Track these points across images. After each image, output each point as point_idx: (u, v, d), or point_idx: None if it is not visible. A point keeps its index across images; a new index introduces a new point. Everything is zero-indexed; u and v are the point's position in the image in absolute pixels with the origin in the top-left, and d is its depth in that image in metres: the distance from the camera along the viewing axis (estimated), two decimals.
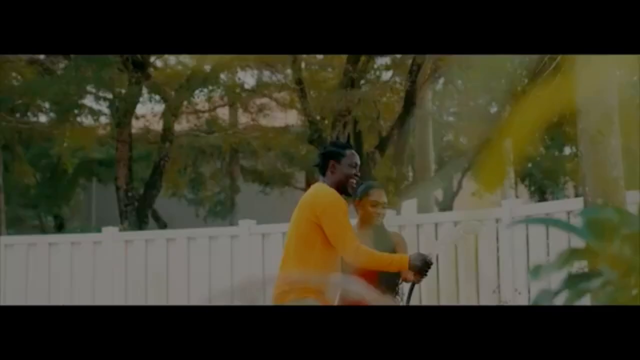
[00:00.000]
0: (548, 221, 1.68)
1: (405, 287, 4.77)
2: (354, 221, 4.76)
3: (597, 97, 4.15)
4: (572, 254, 1.72)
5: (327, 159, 4.57)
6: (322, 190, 4.47)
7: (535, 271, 1.79)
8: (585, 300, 1.74)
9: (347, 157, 4.56)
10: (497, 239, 7.28)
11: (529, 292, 6.98)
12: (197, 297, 9.01)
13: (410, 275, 4.41)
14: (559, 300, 1.73)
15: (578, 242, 1.72)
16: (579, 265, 1.91)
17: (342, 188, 4.50)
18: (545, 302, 1.71)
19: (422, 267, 4.30)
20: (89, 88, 12.16)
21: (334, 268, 4.40)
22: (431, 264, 4.35)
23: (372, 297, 4.30)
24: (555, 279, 1.69)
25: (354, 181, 4.55)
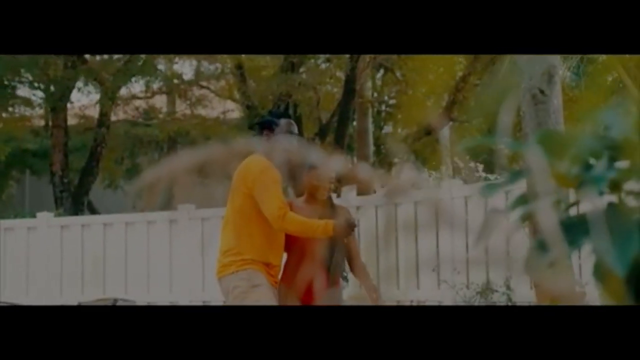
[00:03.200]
0: (496, 141, 1.69)
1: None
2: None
3: (539, 55, 4.18)
4: (522, 172, 1.72)
5: (262, 129, 4.50)
6: (253, 160, 4.37)
7: (486, 189, 1.79)
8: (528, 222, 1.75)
9: (281, 126, 4.49)
10: (436, 218, 7.35)
11: (467, 272, 7.07)
12: (134, 281, 8.88)
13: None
14: (511, 217, 1.74)
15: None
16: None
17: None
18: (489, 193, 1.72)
19: (346, 229, 4.26)
20: (24, 75, 11.84)
21: (272, 238, 4.33)
22: (355, 226, 4.33)
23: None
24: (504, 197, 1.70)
25: None
